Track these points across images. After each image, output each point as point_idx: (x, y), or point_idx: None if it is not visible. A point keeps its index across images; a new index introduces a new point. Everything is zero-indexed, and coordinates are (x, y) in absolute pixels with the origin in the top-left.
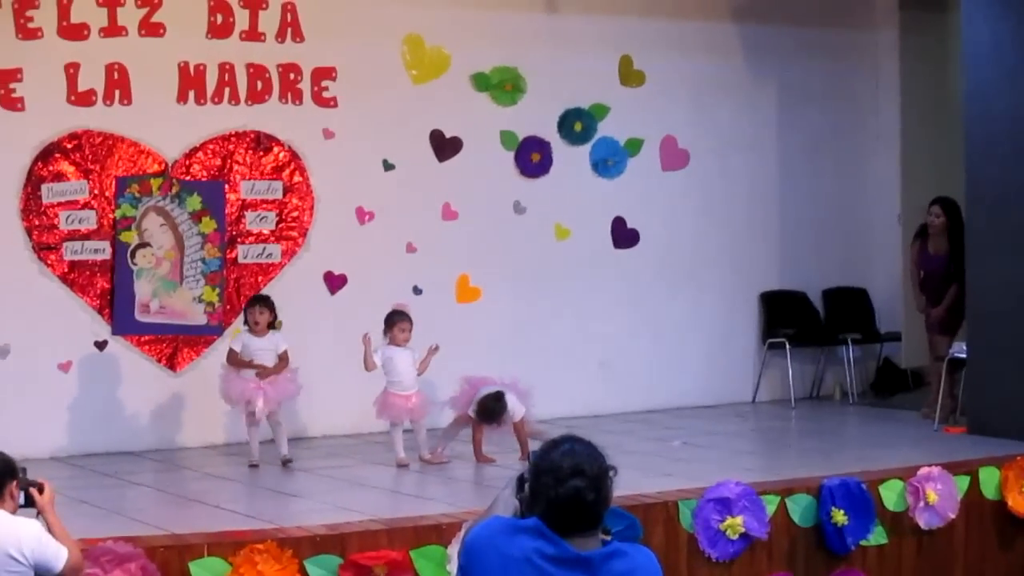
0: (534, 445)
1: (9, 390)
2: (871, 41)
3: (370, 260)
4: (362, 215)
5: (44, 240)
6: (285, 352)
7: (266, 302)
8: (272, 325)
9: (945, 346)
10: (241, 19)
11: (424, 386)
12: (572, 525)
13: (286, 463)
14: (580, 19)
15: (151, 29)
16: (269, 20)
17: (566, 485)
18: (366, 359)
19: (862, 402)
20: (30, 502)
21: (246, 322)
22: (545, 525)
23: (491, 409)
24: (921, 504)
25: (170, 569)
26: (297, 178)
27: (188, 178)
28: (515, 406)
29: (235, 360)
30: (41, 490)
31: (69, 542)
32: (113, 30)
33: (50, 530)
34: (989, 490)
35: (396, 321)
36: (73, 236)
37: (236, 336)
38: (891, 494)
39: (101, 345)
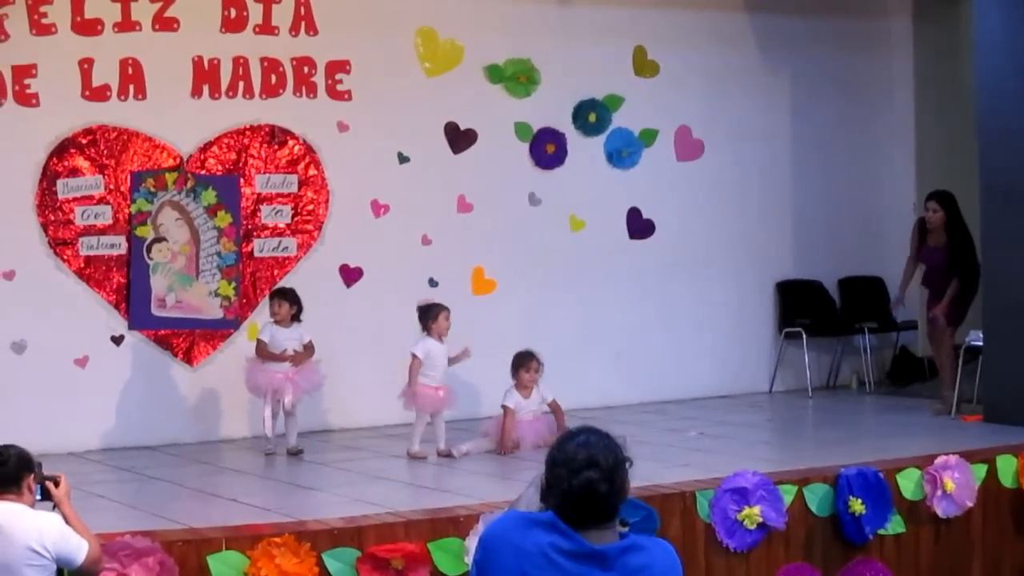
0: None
1: (26, 385)
2: (884, 30)
3: (385, 253)
4: (377, 208)
5: (60, 235)
6: (310, 342)
7: (284, 295)
8: (296, 317)
9: (950, 336)
10: (255, 13)
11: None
12: (587, 517)
13: (296, 453)
14: (593, 10)
15: (165, 24)
16: (283, 14)
17: (580, 477)
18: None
19: (879, 391)
20: (46, 495)
21: (272, 314)
22: (560, 518)
23: (526, 352)
24: (939, 493)
25: (188, 563)
26: (312, 171)
27: (203, 172)
28: (545, 390)
29: (264, 352)
30: (57, 483)
31: (88, 535)
32: (127, 25)
33: (68, 523)
34: (1007, 478)
35: (440, 311)
36: (89, 231)
37: (264, 327)
38: (908, 483)
39: (118, 340)
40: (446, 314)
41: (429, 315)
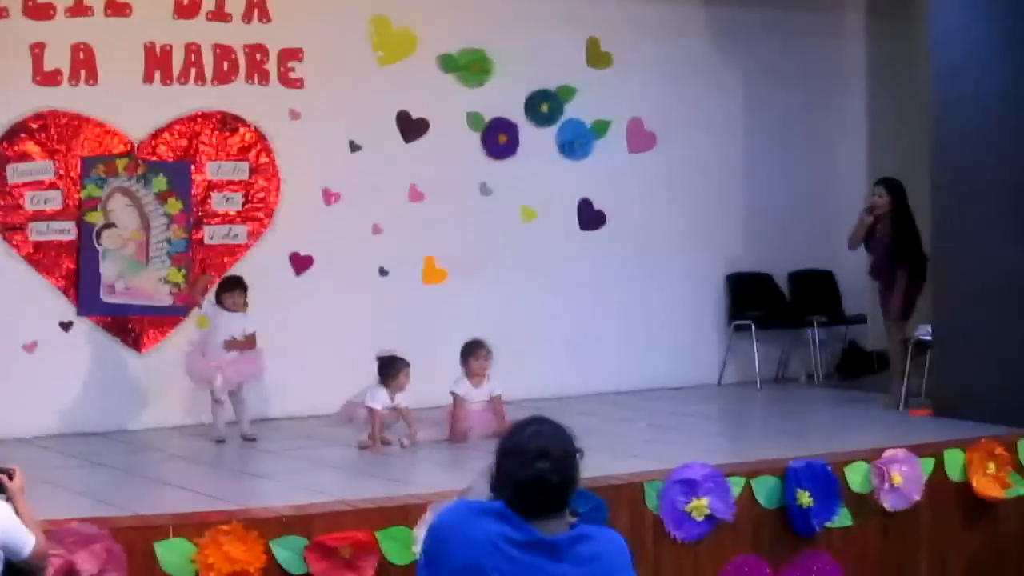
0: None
1: None
2: (838, 22)
3: (336, 241)
4: (328, 196)
5: (9, 220)
6: (253, 334)
7: (242, 287)
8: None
9: (899, 330)
10: None
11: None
12: (537, 508)
13: (250, 440)
14: (547, 1)
15: (117, 9)
16: (236, 0)
17: (531, 468)
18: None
19: (828, 384)
20: None
21: (219, 302)
22: (511, 508)
23: (475, 340)
24: (886, 486)
25: (135, 550)
26: (263, 159)
27: (154, 159)
28: (495, 382)
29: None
30: (11, 476)
31: (37, 530)
32: (79, 10)
33: (19, 516)
34: (954, 472)
35: (401, 369)
36: (38, 216)
37: (205, 305)
38: (856, 476)
39: (67, 326)
40: (407, 371)
41: (389, 371)
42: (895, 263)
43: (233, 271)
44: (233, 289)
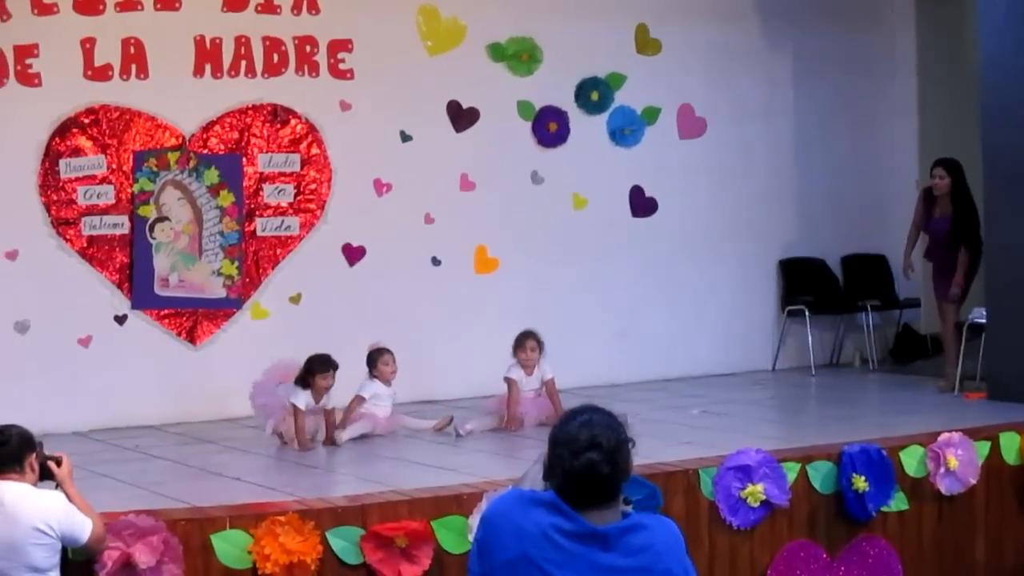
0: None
1: (29, 365)
2: (887, 8)
3: (388, 232)
4: (380, 187)
5: (62, 215)
6: (332, 410)
7: (335, 364)
8: None
9: (953, 313)
10: None
11: (441, 356)
12: (588, 498)
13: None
14: None
15: (167, 3)
16: None
17: (581, 458)
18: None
19: (882, 369)
20: (48, 475)
21: (307, 386)
22: (562, 498)
23: (525, 332)
24: (942, 470)
25: (192, 542)
26: (314, 150)
27: (205, 152)
28: (546, 367)
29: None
30: (59, 463)
31: (91, 513)
32: (129, 4)
33: (71, 502)
34: (1010, 455)
35: (379, 357)
36: (91, 211)
37: (298, 395)
38: (912, 460)
39: (121, 319)
40: (386, 359)
41: (371, 362)
42: (954, 244)
43: (285, 263)
44: (327, 369)
